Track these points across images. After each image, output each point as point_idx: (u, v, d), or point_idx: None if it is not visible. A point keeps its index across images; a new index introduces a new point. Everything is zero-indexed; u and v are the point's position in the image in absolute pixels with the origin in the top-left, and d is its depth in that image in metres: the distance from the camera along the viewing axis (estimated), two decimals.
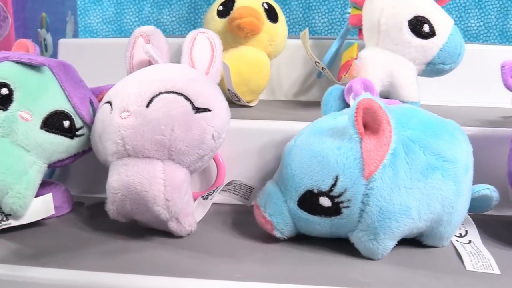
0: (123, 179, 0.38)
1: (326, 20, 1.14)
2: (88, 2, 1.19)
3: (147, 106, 0.38)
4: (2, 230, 0.41)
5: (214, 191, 0.45)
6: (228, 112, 0.42)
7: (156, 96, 0.38)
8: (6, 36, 0.64)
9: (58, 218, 0.45)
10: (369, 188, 0.35)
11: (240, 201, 0.47)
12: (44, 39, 0.76)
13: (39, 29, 0.73)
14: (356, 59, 0.52)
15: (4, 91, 0.41)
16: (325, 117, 0.40)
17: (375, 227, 0.35)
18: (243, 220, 0.45)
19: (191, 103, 0.38)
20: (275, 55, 0.60)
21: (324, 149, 0.36)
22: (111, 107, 0.40)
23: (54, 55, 0.79)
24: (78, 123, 0.44)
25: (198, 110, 0.38)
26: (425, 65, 0.54)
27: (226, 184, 0.46)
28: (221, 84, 0.53)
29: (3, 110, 0.40)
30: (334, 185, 0.35)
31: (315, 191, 0.36)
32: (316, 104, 0.61)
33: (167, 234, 0.41)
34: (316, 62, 0.57)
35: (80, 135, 0.44)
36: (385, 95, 0.55)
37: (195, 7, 1.17)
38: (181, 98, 0.38)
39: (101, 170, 0.42)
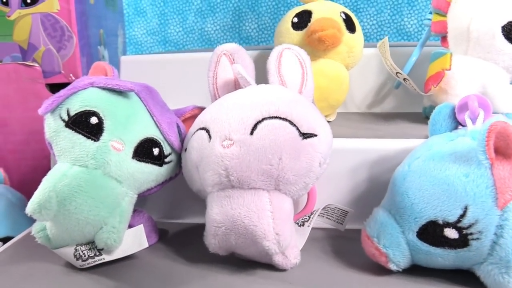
0: (228, 212, 0.35)
1: (374, 22, 1.10)
2: (133, 14, 1.18)
3: (251, 133, 0.36)
4: (94, 266, 0.39)
5: (310, 217, 0.42)
6: (331, 135, 0.39)
7: (259, 122, 0.36)
8: (71, 55, 0.63)
9: (147, 249, 0.43)
10: (503, 219, 0.32)
11: (334, 226, 0.45)
12: (103, 56, 0.75)
13: (98, 46, 0.72)
14: (449, 70, 0.49)
15: (94, 120, 0.39)
16: (439, 139, 0.37)
17: (509, 260, 0.32)
18: (343, 247, 0.42)
19: (297, 128, 0.36)
20: (352, 66, 0.57)
21: (449, 176, 0.33)
22: (209, 134, 0.38)
23: None
24: (166, 149, 0.42)
25: (304, 136, 0.36)
26: None
27: (321, 209, 0.43)
28: None
29: (95, 141, 0.38)
30: (463, 215, 0.32)
31: (440, 222, 0.33)
32: (394, 116, 0.58)
33: (270, 267, 0.38)
34: (397, 73, 0.54)
35: (168, 162, 0.42)
36: None
37: (239, 14, 1.15)
38: (287, 123, 0.36)
39: (181, 194, 0.40)
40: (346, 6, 1.11)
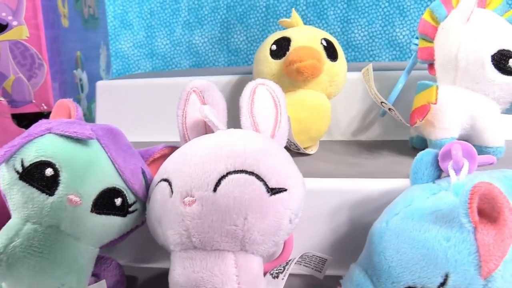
0: (190, 275, 0.33)
1: (366, 33, 1.07)
2: (119, 27, 1.15)
3: (214, 190, 0.33)
4: None
5: (285, 267, 0.39)
6: (304, 187, 0.36)
7: (224, 177, 0.33)
8: (42, 84, 0.60)
9: None
10: None
11: (312, 273, 0.42)
12: (80, 79, 0.72)
13: (74, 71, 0.69)
14: (435, 104, 0.46)
15: (49, 171, 0.36)
16: (420, 192, 0.34)
17: None
18: None
19: (265, 183, 0.33)
20: (335, 95, 0.54)
21: (429, 239, 0.30)
22: (171, 188, 0.35)
23: (91, 93, 0.75)
24: (130, 198, 0.39)
25: (273, 191, 0.33)
26: (510, 104, 0.47)
27: (298, 257, 0.40)
28: None
29: (49, 195, 0.36)
30: (443, 284, 0.29)
31: None
32: (380, 146, 0.55)
33: None
34: (382, 102, 0.52)
35: (133, 211, 0.39)
36: (465, 139, 0.49)
37: (227, 26, 1.12)
38: (253, 178, 0.33)
39: (151, 236, 0.38)
40: (336, 17, 1.08)
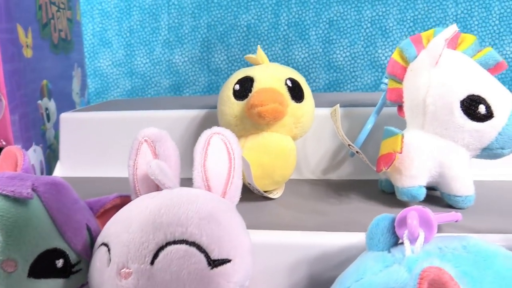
0: None
1: (348, 54, 1.06)
2: (98, 45, 1.13)
3: (152, 263, 0.30)
4: None
5: None
6: (252, 255, 0.34)
7: (162, 248, 0.31)
8: (1, 119, 0.58)
9: None
10: None
11: None
12: (46, 109, 0.69)
13: (39, 101, 0.67)
14: (400, 153, 0.44)
15: None
16: (373, 262, 0.32)
17: None
18: None
19: (207, 255, 0.31)
20: (301, 136, 0.52)
21: None
22: (109, 255, 0.33)
23: (58, 123, 0.73)
24: (73, 258, 0.37)
25: (215, 264, 0.31)
26: (481, 150, 0.45)
27: None
28: None
29: None
30: None
31: None
32: (350, 187, 0.53)
33: None
34: (349, 145, 0.50)
35: (77, 271, 0.37)
36: (434, 186, 0.47)
37: (208, 46, 1.10)
38: (194, 250, 0.31)
39: None
40: (318, 38, 1.06)
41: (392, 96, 0.49)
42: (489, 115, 0.44)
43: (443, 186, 0.46)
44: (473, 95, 0.44)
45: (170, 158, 0.40)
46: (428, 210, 0.32)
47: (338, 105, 0.51)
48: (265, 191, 0.50)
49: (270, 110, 0.45)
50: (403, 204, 0.47)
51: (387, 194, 0.50)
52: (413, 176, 0.45)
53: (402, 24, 1.05)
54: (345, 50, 1.06)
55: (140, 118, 0.61)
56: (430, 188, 0.48)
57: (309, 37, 1.07)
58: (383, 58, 1.04)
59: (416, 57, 0.48)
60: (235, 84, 0.50)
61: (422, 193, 0.46)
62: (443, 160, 0.45)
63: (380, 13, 1.05)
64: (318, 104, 0.53)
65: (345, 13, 1.05)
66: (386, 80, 0.50)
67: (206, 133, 0.40)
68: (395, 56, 0.49)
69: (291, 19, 1.07)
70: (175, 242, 0.31)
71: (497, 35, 1.03)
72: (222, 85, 1.11)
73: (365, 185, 0.54)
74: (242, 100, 0.49)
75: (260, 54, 0.52)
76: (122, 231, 0.33)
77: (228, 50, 1.10)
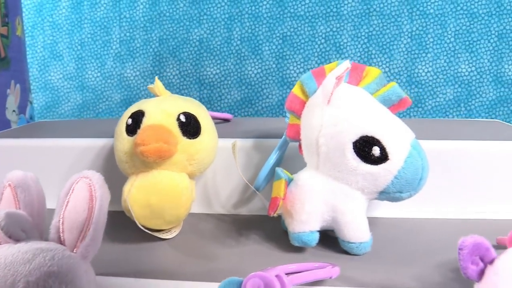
0: None
1: (301, 70, 1.03)
2: (48, 57, 1.10)
3: None
4: None
5: None
6: None
7: None
8: None
9: None
10: None
11: None
12: None
13: None
14: (284, 199, 0.41)
15: None
16: None
17: None
18: None
19: None
20: (201, 172, 0.49)
21: None
22: None
23: None
24: None
25: None
26: (378, 194, 0.43)
27: None
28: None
29: None
30: None
31: None
32: (255, 225, 0.50)
33: None
34: (251, 186, 0.47)
35: None
36: (331, 230, 0.45)
37: (160, 60, 1.07)
38: None
39: None
40: (271, 53, 1.04)
41: (291, 133, 0.46)
42: (384, 158, 0.41)
43: (337, 231, 0.43)
44: (366, 136, 0.41)
45: (32, 207, 0.37)
46: (272, 279, 0.30)
47: (236, 141, 0.48)
48: (159, 230, 0.47)
49: (153, 150, 0.43)
50: (298, 249, 0.44)
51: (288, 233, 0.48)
52: (303, 221, 0.43)
53: (357, 40, 1.03)
54: (298, 66, 1.03)
55: (53, 146, 0.59)
56: None
57: (262, 53, 1.04)
58: None
59: (316, 91, 0.45)
60: (128, 118, 0.47)
61: (314, 239, 0.43)
62: (336, 204, 0.42)
63: (334, 29, 1.03)
64: (241, 134, 0.50)
65: (299, 28, 1.03)
66: (288, 115, 0.48)
67: (74, 177, 0.37)
68: (296, 90, 0.46)
69: (244, 34, 1.04)
70: None
71: (452, 53, 1.00)
72: None
73: (272, 221, 0.51)
74: (133, 135, 0.46)
75: (157, 85, 0.50)
76: None
77: (180, 65, 1.07)
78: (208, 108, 0.52)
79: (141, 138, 0.43)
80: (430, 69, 1.01)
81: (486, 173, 0.53)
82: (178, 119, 0.46)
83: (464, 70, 1.00)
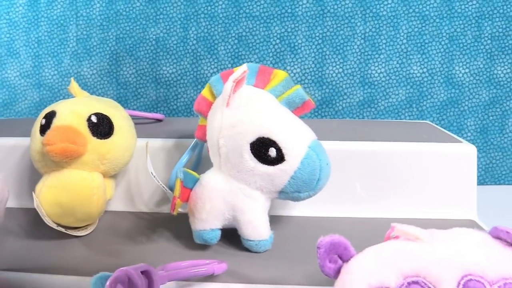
0: None
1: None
2: (5, 55, 1.10)
3: None
4: None
5: None
6: None
7: None
8: None
9: None
10: None
11: None
12: None
13: None
14: (180, 198, 0.42)
15: None
16: None
17: None
18: None
19: None
20: (116, 171, 0.50)
21: None
22: None
23: None
24: None
25: None
26: (277, 193, 0.44)
27: None
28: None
29: None
30: None
31: None
32: (169, 221, 0.51)
33: None
34: (161, 185, 0.48)
35: None
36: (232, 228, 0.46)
37: (116, 59, 1.08)
38: None
39: None
40: (227, 53, 1.04)
41: (200, 134, 0.48)
42: (280, 159, 0.42)
43: (238, 230, 0.45)
44: (263, 138, 0.42)
45: None
46: (133, 274, 0.31)
47: (148, 142, 0.49)
48: (73, 228, 0.48)
49: (58, 150, 0.44)
50: (202, 247, 0.45)
51: None
52: (204, 220, 0.44)
53: (311, 41, 1.04)
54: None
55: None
56: None
57: (218, 52, 1.05)
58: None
59: None
60: (42, 118, 0.48)
61: (215, 237, 0.44)
62: (236, 203, 0.44)
63: (289, 30, 1.04)
64: (166, 134, 0.51)
65: (254, 28, 1.04)
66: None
67: None
68: (205, 92, 0.47)
69: (199, 34, 1.05)
70: None
71: (404, 54, 1.02)
72: (130, 99, 1.10)
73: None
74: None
75: (73, 86, 0.51)
76: None
77: (137, 64, 1.08)
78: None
79: (47, 138, 0.44)
80: (382, 70, 1.03)
81: (403, 174, 0.55)
82: (89, 119, 0.47)
83: (416, 72, 1.02)
